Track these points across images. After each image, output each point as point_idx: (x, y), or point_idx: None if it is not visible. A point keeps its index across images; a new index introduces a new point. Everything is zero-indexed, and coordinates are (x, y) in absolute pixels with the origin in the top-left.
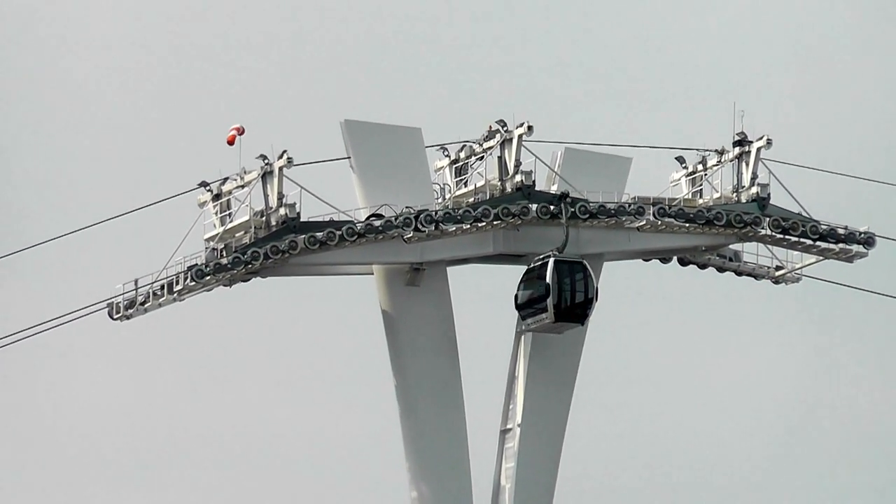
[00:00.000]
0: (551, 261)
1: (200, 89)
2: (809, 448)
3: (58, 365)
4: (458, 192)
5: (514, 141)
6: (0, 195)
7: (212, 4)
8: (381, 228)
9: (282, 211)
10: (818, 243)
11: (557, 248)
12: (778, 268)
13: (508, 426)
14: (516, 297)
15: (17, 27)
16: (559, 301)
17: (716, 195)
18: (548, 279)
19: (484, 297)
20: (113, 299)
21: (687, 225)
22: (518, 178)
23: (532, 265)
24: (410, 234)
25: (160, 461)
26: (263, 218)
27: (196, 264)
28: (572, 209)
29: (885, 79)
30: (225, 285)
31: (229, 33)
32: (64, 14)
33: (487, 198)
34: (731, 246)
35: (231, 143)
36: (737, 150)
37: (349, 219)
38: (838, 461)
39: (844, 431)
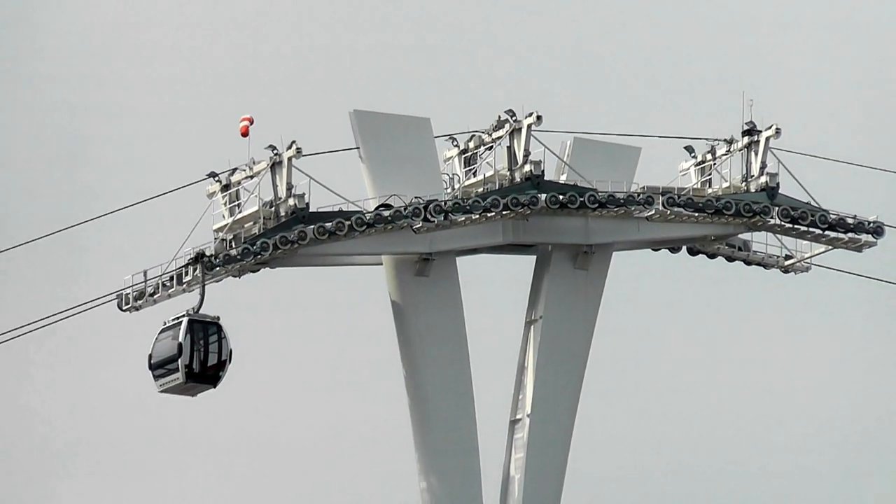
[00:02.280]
0: (185, 320)
1: (209, 79)
2: (818, 432)
3: (67, 357)
4: (467, 182)
5: (524, 131)
6: (8, 186)
7: None
8: (390, 219)
9: (291, 201)
10: (827, 233)
11: (193, 307)
12: (787, 257)
13: (518, 416)
14: (149, 356)
15: (29, 18)
16: (191, 362)
17: (725, 185)
18: (180, 339)
19: (493, 287)
20: (122, 291)
21: (696, 214)
22: (527, 167)
23: (166, 324)
24: (420, 225)
25: (168, 451)
26: (272, 208)
27: (206, 255)
28: (581, 199)
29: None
30: (234, 276)
31: (238, 23)
32: (77, 7)
33: (497, 188)
34: (740, 235)
35: (245, 134)
36: (746, 139)
37: (358, 209)
38: (847, 449)
39: (854, 419)
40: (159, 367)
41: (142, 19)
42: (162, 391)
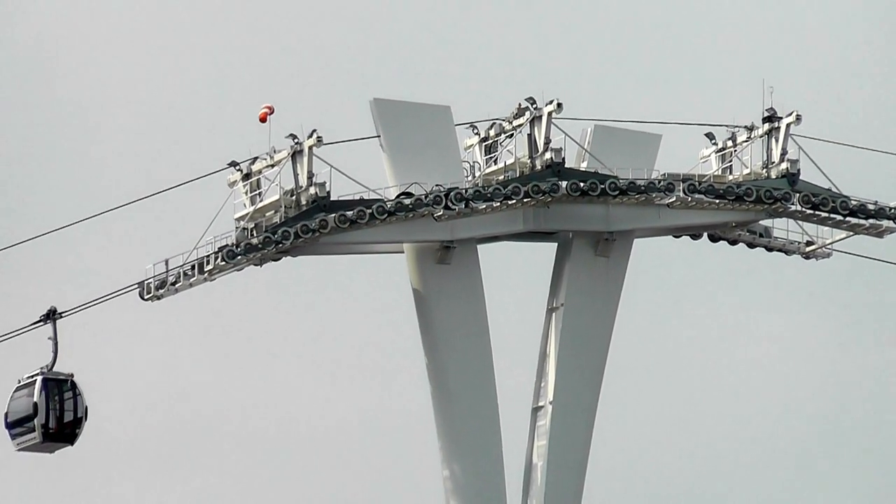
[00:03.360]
0: (39, 379)
1: (230, 69)
2: (839, 420)
3: (90, 346)
4: (487, 170)
5: (544, 118)
6: (31, 176)
7: None
8: (411, 207)
9: (312, 190)
10: (848, 219)
11: (47, 364)
12: (808, 243)
13: (540, 404)
14: (6, 415)
15: (50, 9)
16: (47, 421)
17: (745, 171)
18: (35, 398)
19: (515, 274)
20: (144, 280)
21: (717, 201)
22: (548, 155)
23: (20, 382)
24: (441, 213)
25: (190, 439)
26: (293, 197)
27: (227, 244)
28: (602, 186)
29: None
30: (255, 265)
31: (259, 12)
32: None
33: (517, 175)
34: (761, 222)
35: (263, 120)
36: (766, 126)
37: (379, 197)
38: (865, 436)
39: (874, 406)
40: (16, 426)
41: (165, 11)
42: (19, 450)
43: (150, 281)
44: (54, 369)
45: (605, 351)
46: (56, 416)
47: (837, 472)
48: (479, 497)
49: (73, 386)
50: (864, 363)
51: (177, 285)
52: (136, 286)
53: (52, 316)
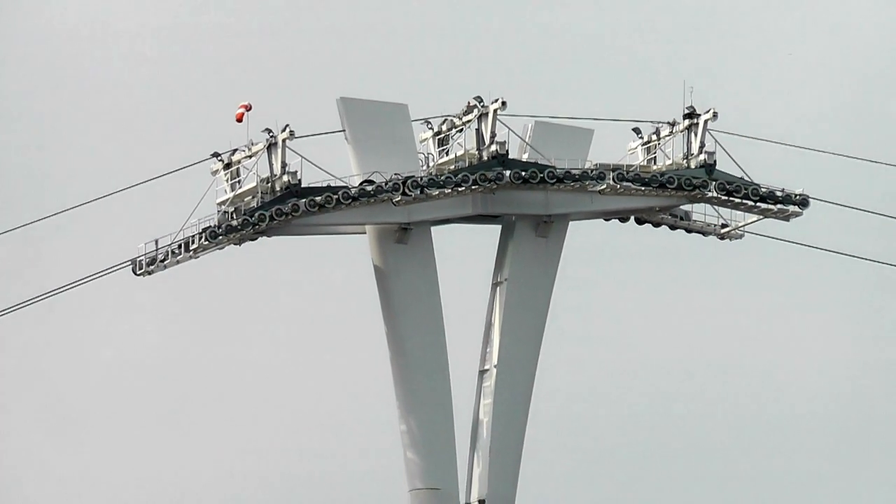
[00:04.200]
0: None
1: (212, 69)
2: (732, 372)
3: (87, 317)
4: (440, 161)
5: (490, 115)
6: (31, 165)
7: None
8: (372, 193)
9: (285, 178)
10: (759, 204)
11: None
12: (723, 226)
13: (486, 367)
14: None
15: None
16: None
17: (668, 162)
18: None
19: (464, 252)
20: (136, 257)
21: (643, 188)
22: (493, 147)
23: None
24: (399, 198)
25: (178, 404)
26: (269, 184)
27: (210, 226)
28: (541, 175)
29: (820, 56)
30: (235, 244)
31: (237, 18)
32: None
33: (466, 165)
34: (682, 206)
35: (240, 120)
36: (686, 121)
37: (344, 185)
38: (773, 400)
39: (782, 368)
40: None
41: (154, 16)
42: None
43: (141, 258)
44: None
45: (544, 320)
46: None
47: (720, 424)
48: (432, 449)
49: None
50: (768, 328)
51: (165, 262)
52: (129, 263)
53: None
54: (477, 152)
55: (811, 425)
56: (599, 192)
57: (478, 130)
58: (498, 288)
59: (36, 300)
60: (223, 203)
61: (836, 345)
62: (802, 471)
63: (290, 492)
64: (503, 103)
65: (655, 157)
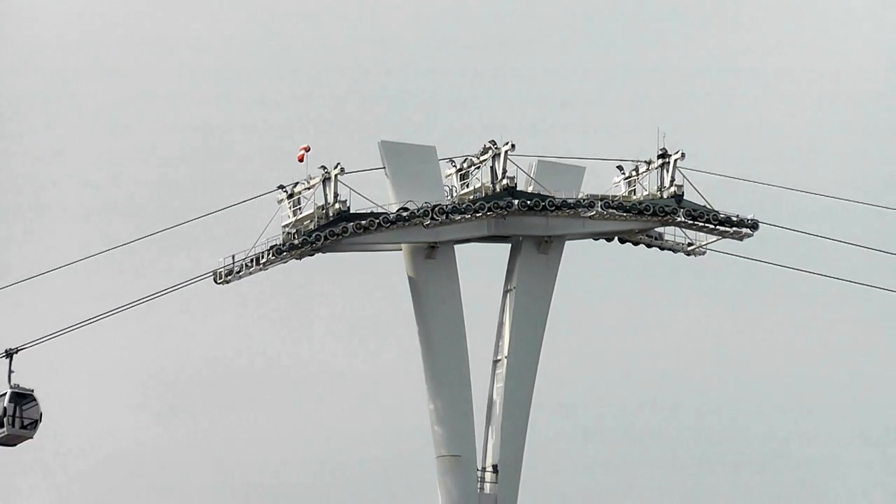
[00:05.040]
0: (9, 392)
1: (282, 117)
2: (703, 371)
3: (179, 317)
4: (461, 192)
5: (502, 155)
6: (142, 195)
7: (292, 53)
8: (407, 218)
9: (336, 206)
10: (718, 227)
11: (17, 383)
12: (689, 244)
13: (498, 357)
14: None
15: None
16: (13, 422)
17: (645, 193)
18: (5, 404)
19: (481, 266)
20: (217, 269)
21: (624, 214)
22: (504, 181)
23: None
24: (428, 222)
25: (250, 386)
26: (323, 211)
27: (276, 244)
28: (543, 203)
29: (769, 105)
30: (296, 259)
31: (302, 76)
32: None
33: (483, 196)
34: (656, 229)
35: (301, 160)
36: (660, 160)
37: (384, 211)
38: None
39: (738, 369)
40: None
41: (229, 77)
42: None
43: (221, 270)
44: (20, 385)
45: (545, 320)
46: (20, 418)
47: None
48: (455, 424)
49: (33, 398)
50: (724, 329)
51: (241, 273)
52: (211, 274)
53: (9, 353)
54: (491, 185)
55: (759, 428)
56: (590, 217)
57: (492, 167)
58: (508, 294)
59: (136, 303)
60: (287, 226)
61: (780, 346)
62: (766, 474)
63: (346, 458)
64: (513, 146)
65: (635, 189)
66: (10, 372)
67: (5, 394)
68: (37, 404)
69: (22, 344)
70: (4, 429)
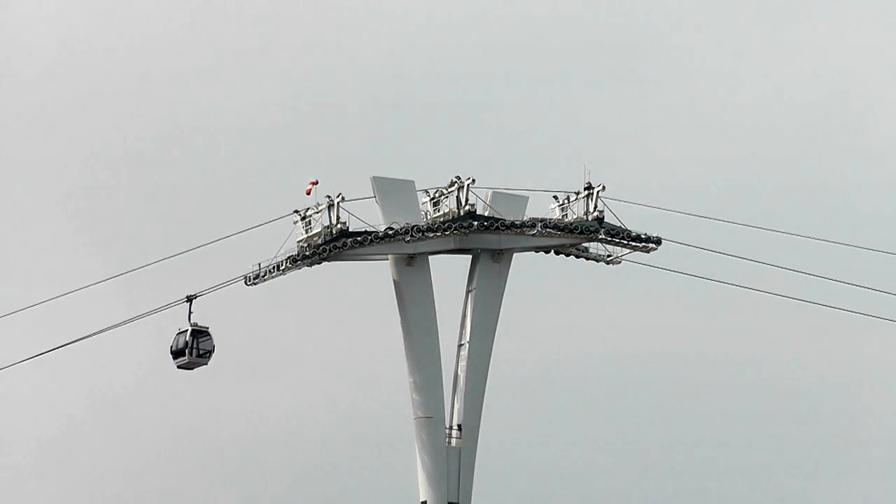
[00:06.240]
0: (190, 328)
1: (294, 157)
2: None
3: (217, 312)
4: (434, 215)
5: (465, 187)
6: (167, 216)
7: (304, 94)
8: (392, 235)
9: (339, 226)
10: (630, 243)
11: (196, 321)
12: (608, 256)
13: (462, 342)
14: (171, 347)
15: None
16: (192, 352)
17: (575, 216)
18: (187, 338)
19: (448, 272)
20: (247, 273)
21: (559, 232)
22: (467, 207)
23: (181, 329)
24: (408, 238)
25: (271, 353)
26: (329, 230)
27: (292, 255)
28: (496, 224)
29: (677, 139)
30: (308, 266)
31: (308, 118)
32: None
33: (450, 218)
34: (583, 244)
35: (308, 193)
36: (585, 192)
37: (375, 230)
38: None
39: (651, 362)
40: (178, 355)
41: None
42: (180, 367)
43: (249, 274)
44: (199, 323)
45: (497, 314)
46: (198, 348)
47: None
48: (428, 393)
49: (209, 334)
50: (636, 324)
51: (265, 277)
52: (242, 277)
53: (189, 298)
54: (457, 210)
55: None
56: (533, 235)
57: (458, 197)
58: (469, 294)
59: (173, 305)
60: (301, 241)
61: (675, 341)
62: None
63: (341, 419)
64: (473, 180)
65: (567, 213)
66: (190, 313)
67: (186, 330)
68: (210, 338)
69: (199, 291)
70: (186, 357)
